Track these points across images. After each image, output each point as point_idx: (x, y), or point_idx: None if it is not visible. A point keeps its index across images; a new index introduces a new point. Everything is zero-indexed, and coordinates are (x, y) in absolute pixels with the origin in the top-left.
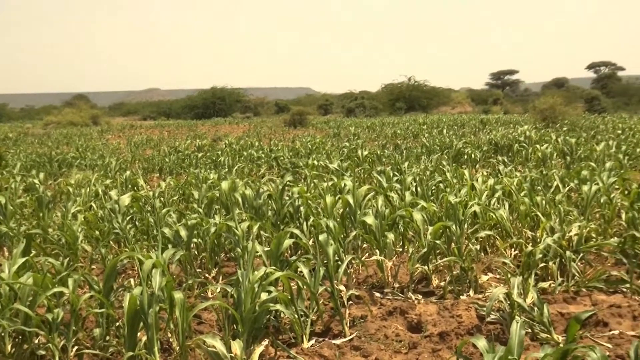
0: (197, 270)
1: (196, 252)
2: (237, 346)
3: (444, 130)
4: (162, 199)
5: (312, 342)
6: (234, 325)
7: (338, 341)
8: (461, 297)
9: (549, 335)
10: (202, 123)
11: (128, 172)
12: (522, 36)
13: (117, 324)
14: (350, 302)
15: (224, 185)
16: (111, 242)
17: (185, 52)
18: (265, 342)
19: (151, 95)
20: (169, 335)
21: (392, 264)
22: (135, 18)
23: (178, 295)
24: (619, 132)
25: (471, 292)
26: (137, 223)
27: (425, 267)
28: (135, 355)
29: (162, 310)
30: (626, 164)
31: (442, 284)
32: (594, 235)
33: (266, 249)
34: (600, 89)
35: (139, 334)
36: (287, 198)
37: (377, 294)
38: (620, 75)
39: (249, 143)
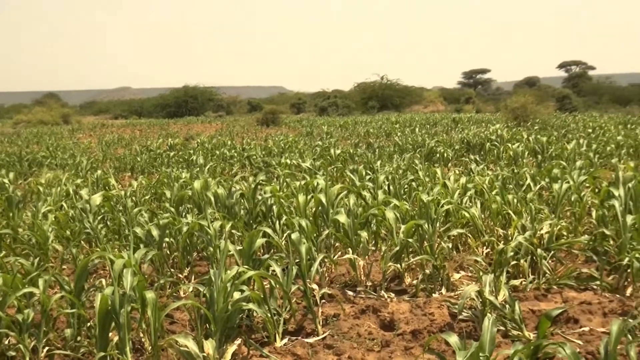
0: (170, 269)
1: (168, 252)
2: (209, 345)
3: (417, 129)
4: (133, 198)
5: (285, 341)
6: (207, 325)
7: (311, 340)
8: (433, 295)
9: (520, 332)
10: (174, 122)
11: (99, 172)
12: (494, 35)
13: (89, 324)
14: (323, 300)
15: (196, 184)
16: (82, 242)
17: (157, 50)
18: (238, 341)
19: (123, 93)
20: (141, 335)
21: (365, 263)
22: (107, 16)
23: (150, 294)
24: (590, 130)
25: (443, 290)
26: (108, 223)
27: (398, 266)
28: (106, 356)
29: (134, 310)
30: (597, 163)
31: (415, 282)
32: (564, 233)
33: (238, 248)
34: (571, 88)
35: (110, 334)
36: (259, 197)
37: (350, 293)
38: (590, 74)
39: (222, 142)
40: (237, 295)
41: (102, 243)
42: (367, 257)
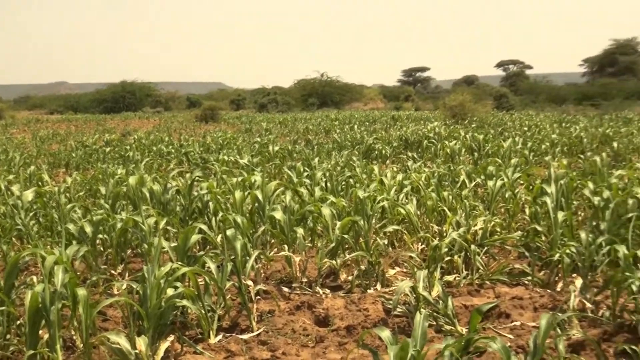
0: (103, 266)
1: (102, 249)
2: (142, 342)
3: (356, 127)
4: (67, 194)
5: (220, 337)
6: (140, 322)
7: (245, 336)
8: (368, 291)
9: (453, 327)
10: (111, 117)
11: (32, 167)
12: (433, 34)
13: (19, 322)
14: (258, 297)
15: (132, 180)
16: (13, 238)
17: (95, 44)
18: (171, 338)
19: (59, 88)
20: (73, 332)
21: (301, 259)
22: (43, 8)
23: (81, 292)
24: (526, 129)
25: (378, 286)
26: (40, 219)
27: (334, 262)
28: (36, 354)
29: (65, 307)
30: (531, 160)
31: (350, 278)
32: (498, 229)
33: (173, 244)
34: (508, 86)
35: (41, 331)
36: (195, 193)
37: (285, 289)
38: (528, 73)
39: (159, 138)
40: (170, 291)
41: (34, 240)
42: (303, 253)
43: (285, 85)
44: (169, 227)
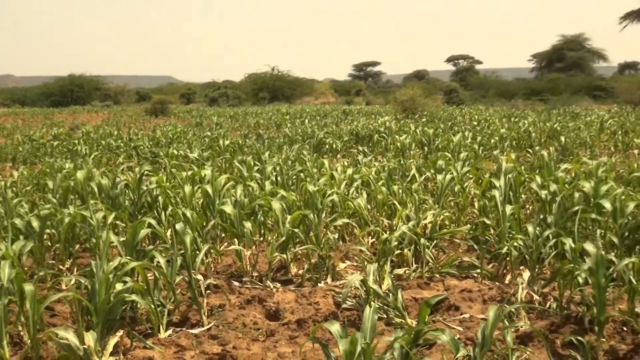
0: (51, 261)
1: (50, 243)
2: (90, 337)
3: (307, 121)
4: (14, 189)
5: (170, 332)
6: (89, 317)
7: (196, 330)
8: (319, 284)
9: (403, 320)
10: (59, 111)
11: None
12: (384, 28)
13: None
14: (209, 291)
15: (79, 174)
16: None
17: (42, 37)
18: (121, 333)
19: (5, 81)
20: (20, 328)
21: (251, 253)
22: None
23: (28, 287)
24: (475, 123)
25: (329, 280)
26: None
27: (284, 256)
28: None
29: (12, 303)
30: (481, 154)
31: (301, 272)
32: (447, 222)
33: (122, 239)
34: (459, 81)
35: None
36: (144, 188)
37: (236, 283)
38: (477, 68)
39: (108, 132)
40: (119, 286)
41: None
42: (253, 247)
43: (236, 79)
44: (117, 222)
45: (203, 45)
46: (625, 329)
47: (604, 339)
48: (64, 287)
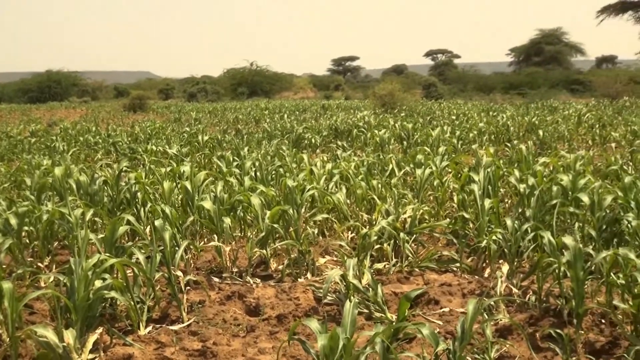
0: (30, 259)
1: (28, 241)
2: (69, 335)
3: (286, 116)
4: None
5: (149, 328)
6: (68, 314)
7: (176, 327)
8: (299, 279)
9: (383, 315)
10: (36, 107)
11: None
12: (362, 23)
13: None
14: (188, 287)
15: (57, 171)
16: None
17: (19, 32)
18: (100, 330)
19: None
20: None
21: (231, 249)
22: None
23: (7, 285)
24: (454, 117)
25: (309, 275)
26: None
27: (264, 251)
28: None
29: None
30: (459, 149)
31: (281, 267)
32: (427, 217)
33: (101, 236)
34: (437, 75)
35: None
36: (123, 184)
37: (216, 279)
38: (456, 62)
39: (86, 128)
40: (98, 283)
41: None
42: (233, 243)
43: (215, 75)
44: (96, 219)
45: (181, 41)
46: (603, 321)
47: (582, 332)
48: (42, 284)
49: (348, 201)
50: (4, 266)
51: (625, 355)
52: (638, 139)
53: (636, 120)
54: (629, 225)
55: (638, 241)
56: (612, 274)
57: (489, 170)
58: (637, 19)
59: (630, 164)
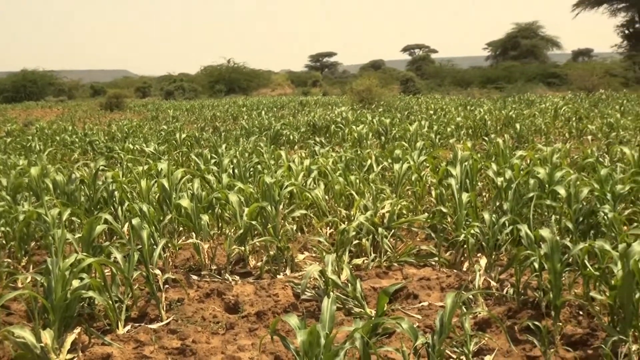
0: (6, 260)
1: (4, 241)
2: (47, 335)
3: (263, 112)
4: None
5: (128, 327)
6: (45, 315)
7: (154, 325)
8: (278, 276)
9: (362, 310)
10: (12, 107)
11: None
12: (339, 18)
13: None
14: (167, 286)
15: (33, 171)
16: None
17: None
18: (78, 330)
19: None
20: None
21: (209, 246)
22: None
23: None
24: (432, 112)
25: (288, 271)
26: None
27: (242, 248)
28: None
29: None
30: (437, 143)
31: (259, 264)
32: (405, 212)
33: (78, 235)
34: (415, 70)
35: None
36: (100, 183)
37: (195, 277)
38: (433, 57)
39: (63, 127)
40: (76, 283)
41: None
42: (211, 240)
43: (192, 72)
44: (73, 218)
45: (158, 38)
46: (581, 313)
47: (560, 323)
48: (19, 285)
49: (326, 197)
50: None
51: (602, 346)
52: (614, 132)
53: (612, 112)
54: (605, 217)
55: (614, 233)
56: (589, 265)
57: (466, 164)
58: (612, 12)
59: (607, 156)
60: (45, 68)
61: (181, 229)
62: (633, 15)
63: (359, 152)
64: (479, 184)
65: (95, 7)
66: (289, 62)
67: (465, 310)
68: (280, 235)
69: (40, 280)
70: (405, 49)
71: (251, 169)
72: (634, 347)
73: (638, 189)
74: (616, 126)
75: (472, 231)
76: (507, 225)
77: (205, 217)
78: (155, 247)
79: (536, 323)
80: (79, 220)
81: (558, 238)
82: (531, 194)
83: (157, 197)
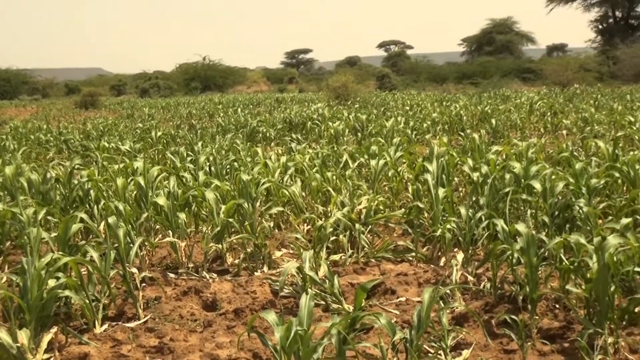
0: None
1: None
2: (23, 335)
3: (239, 110)
4: None
5: (105, 326)
6: (21, 315)
7: (132, 324)
8: (255, 273)
9: (340, 306)
10: None
11: None
12: (315, 15)
13: None
14: (144, 284)
15: (8, 170)
16: None
17: None
18: (55, 329)
19: None
20: None
21: (186, 244)
22: None
23: None
24: (408, 108)
25: (265, 268)
26: None
27: (219, 246)
28: None
29: None
30: (414, 139)
31: (237, 261)
32: (382, 207)
33: (54, 234)
34: (390, 67)
35: None
36: (76, 182)
37: (172, 275)
38: (409, 53)
39: (37, 126)
40: (52, 282)
41: None
42: (188, 238)
43: (167, 70)
44: (49, 217)
45: (133, 36)
46: (557, 306)
47: (537, 317)
48: None
49: (303, 194)
50: None
51: (578, 339)
52: (589, 126)
53: (587, 107)
54: (580, 210)
55: (589, 226)
56: (565, 259)
57: (442, 159)
58: (586, 7)
59: (581, 150)
60: (18, 67)
61: (158, 227)
62: (606, 10)
63: (335, 148)
64: (455, 179)
65: (68, 4)
66: (265, 59)
67: (442, 305)
68: (258, 232)
69: (15, 280)
70: (380, 45)
71: (228, 167)
72: (610, 340)
73: (612, 183)
74: (591, 120)
75: (448, 226)
76: (483, 220)
77: (182, 216)
78: (131, 245)
79: (513, 317)
80: (54, 220)
81: (534, 232)
82: (507, 189)
83: (133, 195)
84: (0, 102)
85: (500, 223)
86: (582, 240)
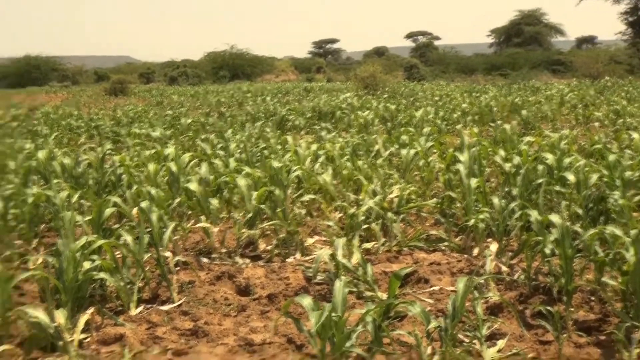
0: (17, 242)
1: (14, 224)
2: (61, 315)
3: (268, 98)
4: None
5: (140, 309)
6: (58, 295)
7: (166, 307)
8: (288, 260)
9: (373, 293)
10: (16, 92)
11: None
12: (342, 5)
13: None
14: (178, 268)
15: (41, 154)
16: None
17: None
18: (91, 310)
19: None
20: None
21: (219, 230)
22: None
23: None
24: (437, 98)
25: (298, 255)
26: None
27: (252, 232)
28: None
29: None
30: (444, 129)
31: (269, 247)
32: (413, 197)
33: (88, 218)
34: (418, 57)
35: None
36: (107, 166)
37: (205, 260)
38: (436, 44)
39: (68, 112)
40: (87, 265)
41: None
42: (221, 224)
43: (195, 58)
44: (82, 201)
45: (161, 24)
46: (593, 298)
47: (572, 309)
48: (31, 266)
49: (334, 182)
50: None
51: (615, 332)
52: (621, 119)
53: (618, 100)
54: (615, 203)
55: (624, 219)
56: (601, 251)
57: (474, 149)
58: None
59: (614, 142)
60: (48, 54)
61: (190, 212)
62: (636, 2)
63: (365, 137)
64: (486, 169)
65: None
66: (292, 48)
67: (477, 294)
68: (290, 219)
69: (51, 261)
70: (408, 36)
71: (258, 154)
72: None
73: None
74: (622, 113)
75: (481, 216)
76: (516, 210)
77: (214, 201)
78: (164, 229)
79: (548, 308)
80: (87, 203)
81: (568, 224)
82: (540, 180)
83: (164, 181)
84: (31, 89)
85: (534, 214)
86: (618, 232)
